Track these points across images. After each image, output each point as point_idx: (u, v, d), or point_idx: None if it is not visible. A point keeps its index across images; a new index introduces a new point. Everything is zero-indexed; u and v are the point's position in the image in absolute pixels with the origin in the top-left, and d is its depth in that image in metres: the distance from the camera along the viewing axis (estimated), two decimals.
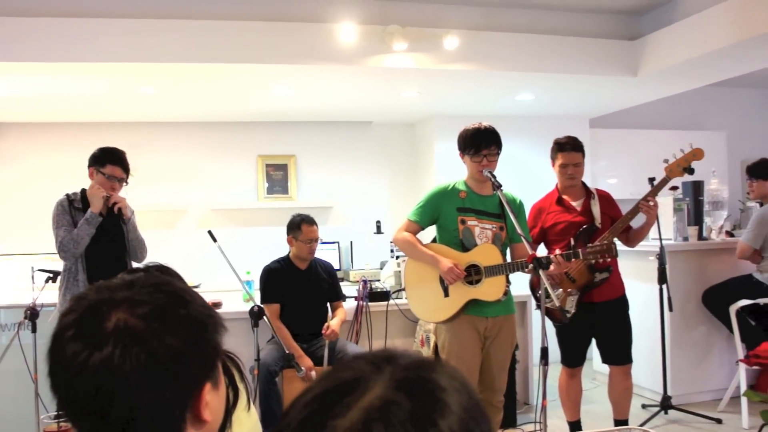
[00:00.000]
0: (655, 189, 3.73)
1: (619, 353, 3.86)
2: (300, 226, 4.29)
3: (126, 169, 3.73)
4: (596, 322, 3.80)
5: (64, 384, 0.85)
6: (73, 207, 3.65)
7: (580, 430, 4.00)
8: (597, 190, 3.94)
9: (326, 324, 4.24)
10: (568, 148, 3.81)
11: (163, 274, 1.79)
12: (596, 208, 3.81)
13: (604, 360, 3.95)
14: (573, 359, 3.91)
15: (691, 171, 3.72)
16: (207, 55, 4.39)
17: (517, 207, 3.44)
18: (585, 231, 3.73)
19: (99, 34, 4.21)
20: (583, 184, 3.92)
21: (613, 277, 3.77)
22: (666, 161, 3.77)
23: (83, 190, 3.74)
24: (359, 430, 0.57)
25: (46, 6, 4.20)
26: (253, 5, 4.53)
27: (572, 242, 3.67)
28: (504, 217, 3.38)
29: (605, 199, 3.90)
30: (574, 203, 3.86)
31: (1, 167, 6.08)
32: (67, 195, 3.71)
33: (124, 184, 3.76)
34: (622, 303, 3.85)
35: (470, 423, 0.61)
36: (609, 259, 3.45)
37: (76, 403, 0.84)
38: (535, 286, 3.89)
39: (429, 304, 3.41)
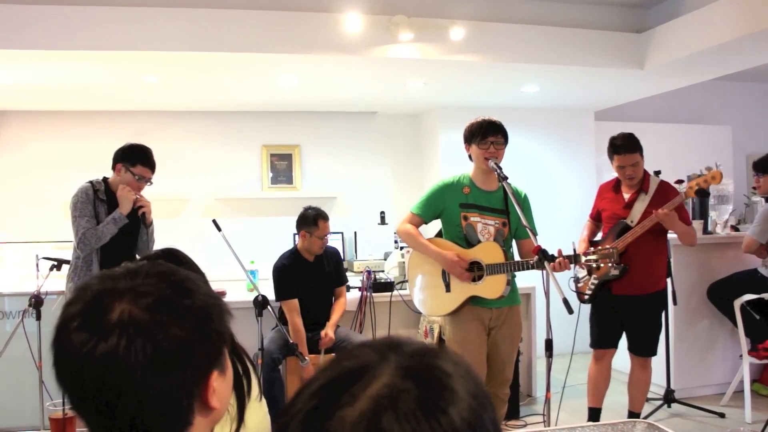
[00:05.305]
0: (670, 205, 3.73)
1: (635, 344, 3.92)
2: (316, 221, 4.24)
3: (154, 169, 3.66)
4: (618, 312, 3.87)
5: (70, 374, 0.84)
6: (97, 197, 3.55)
7: (597, 419, 3.98)
8: (662, 182, 3.89)
9: (324, 332, 4.21)
10: (623, 151, 3.78)
11: (173, 259, 1.79)
12: (641, 205, 3.80)
13: (628, 347, 4.01)
14: (598, 340, 3.94)
15: (706, 194, 3.78)
16: (211, 43, 4.37)
17: (522, 200, 3.41)
18: (615, 228, 3.79)
19: (102, 22, 4.18)
20: (646, 174, 3.89)
21: (634, 275, 3.76)
22: (689, 177, 3.82)
23: (105, 179, 3.66)
24: (369, 420, 0.56)
25: None
26: None
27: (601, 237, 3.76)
28: (507, 212, 3.36)
29: (662, 192, 3.84)
30: (626, 195, 3.91)
31: (5, 155, 6.08)
32: (92, 183, 3.59)
33: (150, 183, 3.69)
34: (644, 300, 3.85)
35: (479, 409, 0.60)
36: (610, 265, 3.50)
37: (82, 393, 0.84)
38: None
39: (431, 298, 3.44)
